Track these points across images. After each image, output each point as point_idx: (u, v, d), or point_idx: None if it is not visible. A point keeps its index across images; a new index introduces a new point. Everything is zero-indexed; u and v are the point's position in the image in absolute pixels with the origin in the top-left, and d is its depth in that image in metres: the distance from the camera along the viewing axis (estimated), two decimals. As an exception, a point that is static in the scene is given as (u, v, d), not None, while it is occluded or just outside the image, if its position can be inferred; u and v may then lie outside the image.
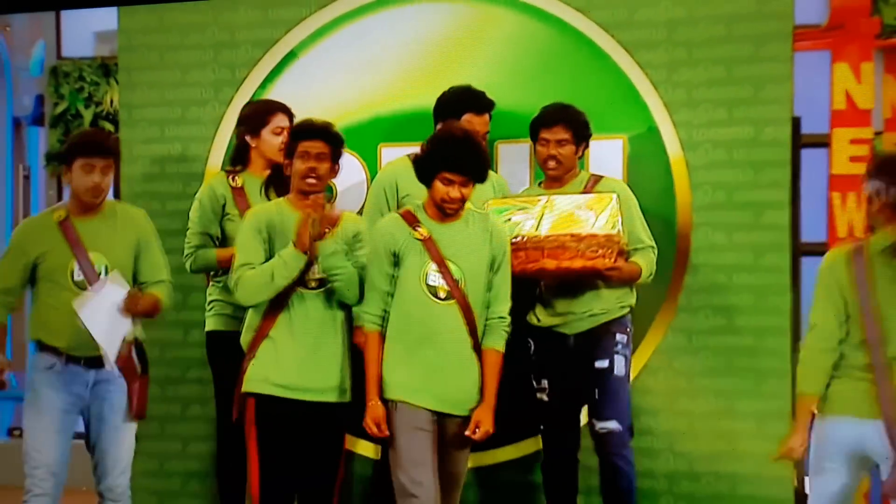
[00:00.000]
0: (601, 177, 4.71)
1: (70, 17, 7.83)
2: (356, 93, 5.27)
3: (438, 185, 4.11)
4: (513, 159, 5.10)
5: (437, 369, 4.11)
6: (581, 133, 4.64)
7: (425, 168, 4.16)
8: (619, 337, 4.57)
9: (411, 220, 4.18)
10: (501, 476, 5.10)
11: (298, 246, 4.12)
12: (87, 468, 4.51)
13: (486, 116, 4.80)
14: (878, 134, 5.27)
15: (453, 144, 4.13)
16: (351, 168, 5.09)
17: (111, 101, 7.57)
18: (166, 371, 5.34)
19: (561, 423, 4.62)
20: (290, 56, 5.38)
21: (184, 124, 5.48)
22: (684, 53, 4.99)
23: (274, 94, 5.27)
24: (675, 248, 4.96)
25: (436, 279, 4.11)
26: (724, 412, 4.94)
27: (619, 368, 4.55)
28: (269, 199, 4.77)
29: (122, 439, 4.50)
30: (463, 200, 4.14)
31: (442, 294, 4.11)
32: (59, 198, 7.47)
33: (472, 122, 4.69)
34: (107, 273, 4.41)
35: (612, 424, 4.50)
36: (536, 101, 4.94)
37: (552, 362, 4.58)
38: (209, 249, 4.84)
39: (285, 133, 4.76)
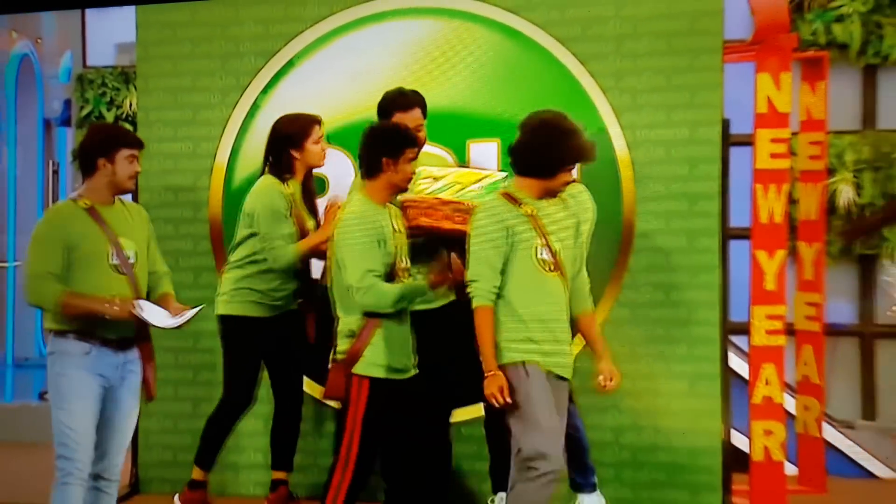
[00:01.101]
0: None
1: (94, 31, 7.97)
2: (347, 97, 5.42)
3: (563, 175, 4.09)
4: (483, 156, 5.27)
5: (554, 337, 4.11)
6: None
7: (552, 162, 4.07)
8: None
9: (513, 200, 4.14)
10: (474, 431, 5.21)
11: (433, 287, 4.24)
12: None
13: (416, 111, 4.80)
14: (794, 134, 5.39)
15: (578, 137, 4.07)
16: (343, 165, 5.31)
17: (130, 105, 7.77)
18: (179, 341, 5.48)
19: None
20: (289, 65, 5.55)
21: (194, 125, 5.65)
22: (630, 64, 5.22)
23: (275, 98, 5.46)
24: (621, 234, 5.19)
25: (544, 253, 4.09)
26: (662, 374, 5.21)
27: None
28: (306, 202, 5.01)
29: (130, 425, 4.38)
30: None
31: (549, 267, 4.11)
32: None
33: (401, 118, 4.75)
34: (136, 258, 4.29)
35: None
36: (503, 104, 5.23)
37: None
38: (289, 245, 4.90)
39: (323, 141, 5.01)
